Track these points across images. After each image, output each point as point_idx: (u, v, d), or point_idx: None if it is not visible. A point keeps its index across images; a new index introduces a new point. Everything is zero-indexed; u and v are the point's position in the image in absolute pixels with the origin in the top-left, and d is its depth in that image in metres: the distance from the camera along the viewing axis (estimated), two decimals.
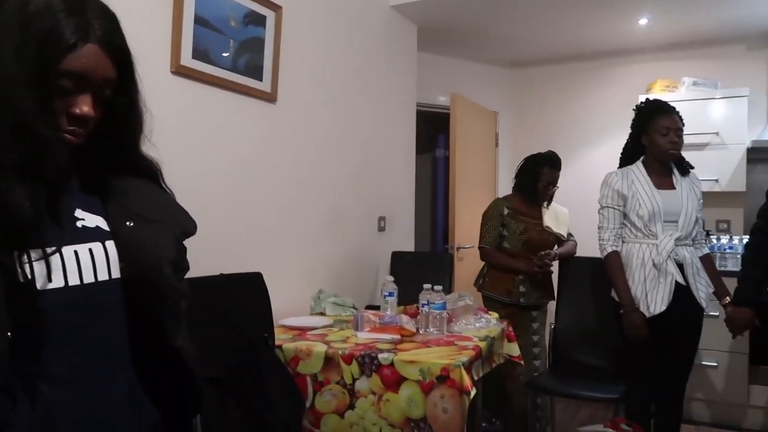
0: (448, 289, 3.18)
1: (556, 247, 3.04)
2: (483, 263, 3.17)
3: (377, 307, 2.62)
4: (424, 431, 1.83)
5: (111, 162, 0.89)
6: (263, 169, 2.47)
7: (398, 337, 2.17)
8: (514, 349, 2.57)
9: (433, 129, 5.33)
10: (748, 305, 2.45)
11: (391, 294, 2.48)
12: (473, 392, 1.86)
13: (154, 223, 0.89)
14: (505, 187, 4.60)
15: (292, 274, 2.65)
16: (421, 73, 4.00)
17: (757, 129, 3.89)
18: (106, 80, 0.82)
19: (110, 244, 0.86)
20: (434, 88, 4.43)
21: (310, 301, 2.76)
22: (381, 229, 3.44)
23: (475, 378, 1.99)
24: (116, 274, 0.86)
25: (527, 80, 4.79)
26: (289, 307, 2.57)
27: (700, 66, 4.14)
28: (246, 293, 1.97)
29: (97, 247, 0.84)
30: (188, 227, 0.94)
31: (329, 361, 1.98)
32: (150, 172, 0.94)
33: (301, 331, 2.29)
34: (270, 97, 2.48)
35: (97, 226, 0.86)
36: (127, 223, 0.87)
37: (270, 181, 2.51)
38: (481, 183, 4.40)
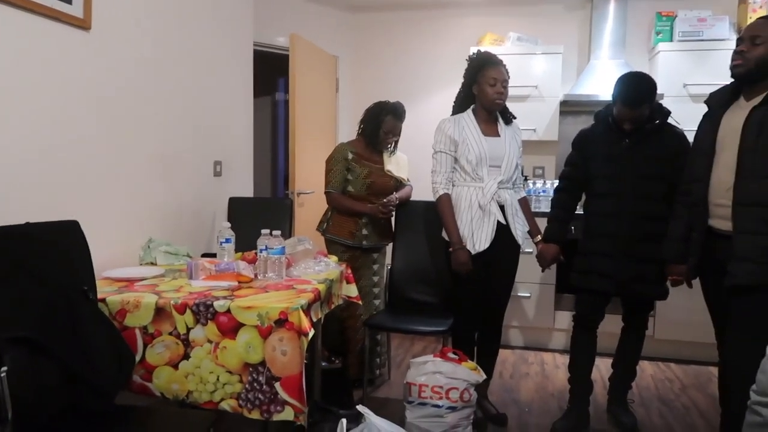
0: (288, 235, 3.16)
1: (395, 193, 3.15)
2: (326, 208, 3.18)
3: (214, 255, 2.53)
4: (262, 374, 1.83)
5: None
6: (77, 107, 2.20)
7: (235, 283, 2.12)
8: (352, 291, 2.65)
9: (272, 71, 5.15)
10: (555, 242, 2.76)
11: (227, 240, 2.39)
12: (311, 333, 1.89)
13: None
14: (345, 132, 4.63)
15: (116, 223, 2.44)
16: (259, 10, 3.81)
17: (569, 84, 4.30)
18: None
19: None
20: (273, 28, 4.26)
21: (139, 251, 2.57)
22: (217, 174, 3.28)
23: (314, 320, 2.02)
24: None
25: (368, 26, 4.79)
26: (115, 258, 2.38)
27: (524, 23, 4.44)
28: (60, 244, 1.77)
29: None
30: None
31: (160, 312, 1.88)
32: None
33: (129, 283, 2.14)
34: (82, 24, 2.19)
35: None
36: None
37: (85, 121, 2.25)
38: (322, 128, 4.38)
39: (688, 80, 3.81)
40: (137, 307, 1.89)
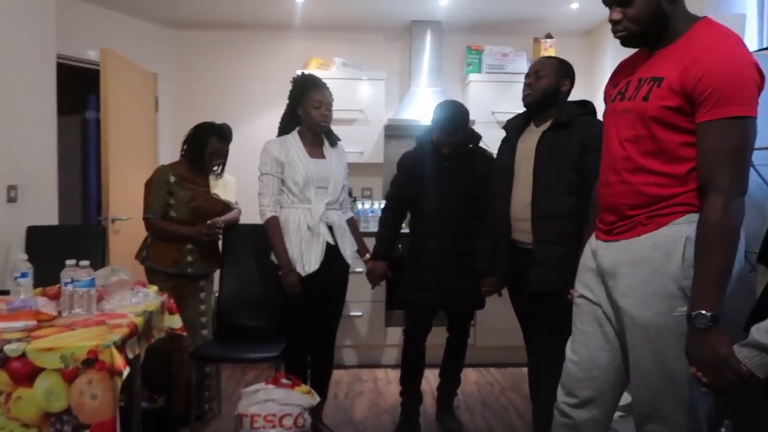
0: (102, 265, 2.87)
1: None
2: (146, 234, 2.95)
3: (8, 293, 2.20)
4: (68, 423, 1.62)
5: None
6: None
7: (34, 323, 1.86)
8: (176, 322, 2.47)
9: (83, 88, 4.71)
10: (383, 259, 2.85)
11: (24, 275, 2.10)
12: (126, 372, 1.72)
13: None
14: (167, 154, 4.36)
15: None
16: (67, 20, 3.47)
17: (392, 109, 4.52)
18: None
19: None
20: (83, 41, 3.91)
21: None
22: (11, 200, 2.89)
23: (130, 357, 1.85)
24: None
25: (191, 43, 4.60)
26: None
27: (349, 49, 4.58)
28: None
29: None
30: None
31: None
32: None
33: None
34: None
35: None
36: None
37: None
38: (140, 149, 4.09)
39: (496, 108, 4.22)
40: None
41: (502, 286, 2.59)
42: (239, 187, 3.19)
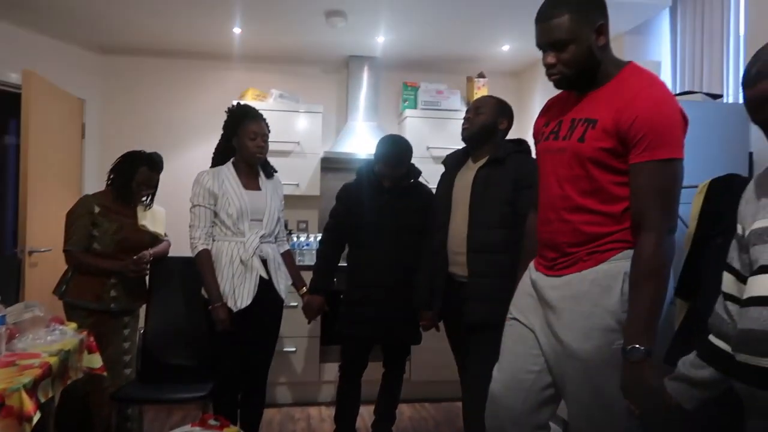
0: (16, 300, 2.69)
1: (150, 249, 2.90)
2: (66, 268, 2.79)
3: None
4: None
5: None
6: None
7: None
8: (95, 361, 2.33)
9: (2, 112, 4.46)
10: (321, 292, 2.81)
11: None
12: (37, 417, 1.59)
13: None
14: (93, 183, 4.17)
15: None
16: None
17: (329, 142, 4.52)
18: None
19: None
20: (5, 63, 3.71)
21: None
22: None
23: (42, 400, 1.72)
24: None
25: (122, 69, 4.45)
26: None
27: (287, 81, 4.58)
28: None
29: None
30: None
31: None
32: None
33: None
34: None
35: None
36: None
37: None
38: (63, 177, 3.89)
39: (431, 143, 4.30)
40: None
41: (439, 320, 2.60)
42: (170, 218, 3.08)
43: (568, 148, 1.57)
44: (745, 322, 1.18)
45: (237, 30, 3.89)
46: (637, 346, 1.41)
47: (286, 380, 3.88)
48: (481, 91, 4.40)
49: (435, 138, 4.31)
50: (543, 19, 1.56)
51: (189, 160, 4.34)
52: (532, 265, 1.75)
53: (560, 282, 1.60)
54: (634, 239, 1.49)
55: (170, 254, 3.01)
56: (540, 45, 1.59)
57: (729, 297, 1.34)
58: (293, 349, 3.84)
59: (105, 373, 2.43)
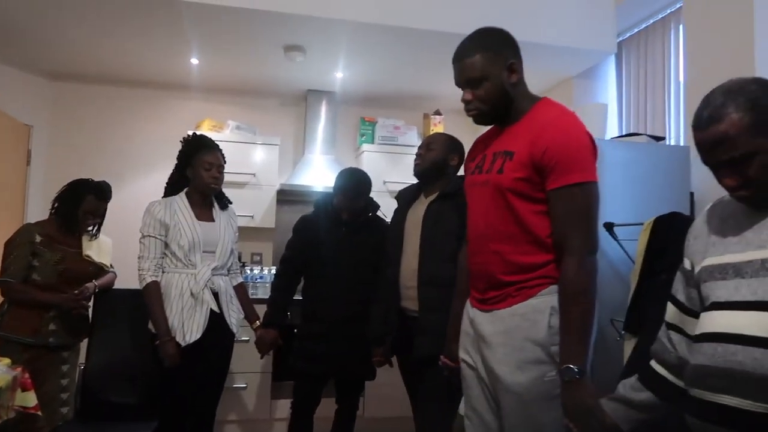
0: None
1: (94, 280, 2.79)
2: (1, 300, 2.65)
3: None
4: None
5: None
6: None
7: None
8: (29, 399, 2.19)
9: None
10: (275, 326, 2.75)
11: None
12: None
13: None
14: (38, 211, 4.01)
15: None
16: None
17: (286, 174, 4.50)
18: None
19: None
20: None
21: None
22: None
23: None
24: None
25: (71, 96, 4.35)
26: None
27: (244, 112, 4.56)
28: None
29: None
30: None
31: None
32: None
33: None
34: None
35: None
36: None
37: None
38: (5, 205, 3.73)
39: (387, 178, 4.33)
40: None
41: (392, 355, 2.58)
42: (117, 249, 2.99)
43: (490, 180, 1.64)
44: (698, 357, 1.21)
45: (194, 60, 3.87)
46: (571, 366, 1.46)
47: (235, 418, 3.75)
48: (437, 127, 4.48)
49: (391, 173, 4.35)
50: (458, 59, 1.66)
51: (139, 189, 4.25)
52: (468, 302, 1.79)
53: (493, 317, 1.64)
54: (558, 268, 1.55)
55: (116, 286, 2.90)
56: (458, 83, 1.69)
57: (672, 326, 1.39)
58: (244, 385, 3.72)
59: (39, 413, 2.29)
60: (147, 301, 2.45)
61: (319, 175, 4.27)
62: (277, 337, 2.75)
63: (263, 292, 4.05)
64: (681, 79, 3.20)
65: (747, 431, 1.09)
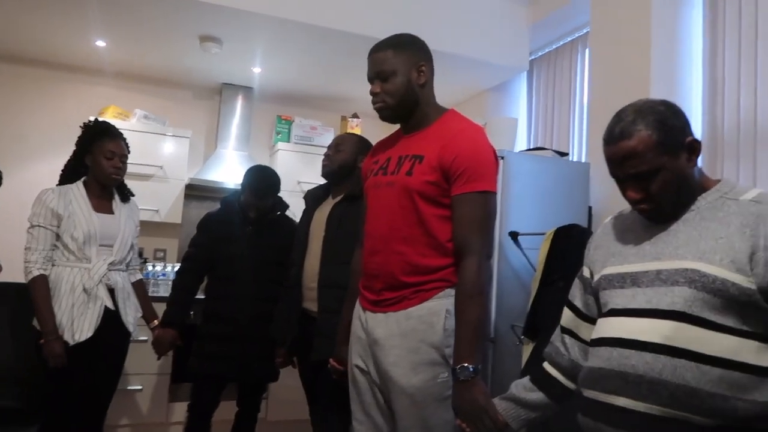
0: None
1: None
2: None
3: None
4: None
5: None
6: None
7: None
8: None
9: None
10: (174, 326, 2.63)
11: None
12: None
13: None
14: None
15: None
16: None
17: (195, 168, 4.34)
18: None
19: None
20: None
21: None
22: None
23: None
24: None
25: None
26: None
27: (153, 102, 4.35)
28: None
29: None
30: None
31: None
32: None
33: None
34: None
35: None
36: None
37: None
38: None
39: (301, 178, 4.28)
40: None
41: (292, 356, 2.54)
42: (4, 239, 2.75)
43: (397, 181, 1.67)
44: (594, 360, 1.27)
45: (101, 43, 3.66)
46: (466, 365, 1.50)
47: (128, 422, 3.55)
48: (354, 130, 4.49)
49: (306, 173, 4.30)
50: (371, 53, 1.73)
51: (33, 176, 3.94)
52: (358, 304, 1.79)
53: (387, 319, 1.66)
54: (456, 269, 1.61)
55: (2, 279, 2.67)
56: (369, 76, 1.73)
57: (566, 331, 1.46)
58: (139, 387, 3.54)
59: None
60: (33, 296, 2.27)
61: (230, 171, 4.15)
62: (176, 337, 2.65)
63: (165, 290, 3.87)
64: (585, 100, 3.39)
65: (638, 431, 1.16)
